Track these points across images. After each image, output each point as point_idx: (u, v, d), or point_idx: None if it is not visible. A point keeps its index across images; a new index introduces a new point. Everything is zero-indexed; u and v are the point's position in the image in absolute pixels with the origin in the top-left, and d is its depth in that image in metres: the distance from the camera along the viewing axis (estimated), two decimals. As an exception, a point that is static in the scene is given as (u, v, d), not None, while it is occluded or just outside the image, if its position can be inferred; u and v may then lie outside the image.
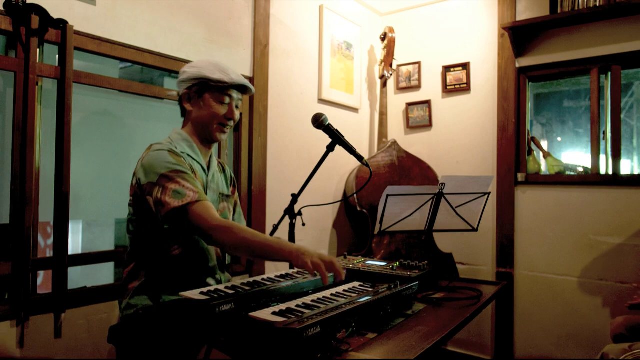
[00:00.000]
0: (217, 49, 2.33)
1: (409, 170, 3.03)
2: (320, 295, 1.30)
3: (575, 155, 4.07)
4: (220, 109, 1.52)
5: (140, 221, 1.45)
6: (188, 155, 1.50)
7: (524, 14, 2.93)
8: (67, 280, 1.74)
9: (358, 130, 3.36)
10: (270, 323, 1.03)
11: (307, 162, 2.82)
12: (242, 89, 1.57)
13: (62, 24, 1.71)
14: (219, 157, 2.40)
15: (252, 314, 1.09)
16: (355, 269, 1.75)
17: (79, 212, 2.05)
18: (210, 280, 1.52)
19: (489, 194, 1.86)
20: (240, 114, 2.48)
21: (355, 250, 3.08)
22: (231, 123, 1.57)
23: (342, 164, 3.10)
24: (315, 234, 2.94)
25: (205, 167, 1.57)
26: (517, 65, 2.96)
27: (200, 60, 1.57)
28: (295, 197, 1.74)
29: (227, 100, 1.53)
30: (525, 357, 2.90)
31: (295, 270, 1.64)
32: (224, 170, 1.74)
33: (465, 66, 3.16)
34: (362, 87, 3.36)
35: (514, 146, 2.95)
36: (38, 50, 1.68)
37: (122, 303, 1.46)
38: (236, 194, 1.79)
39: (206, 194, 1.53)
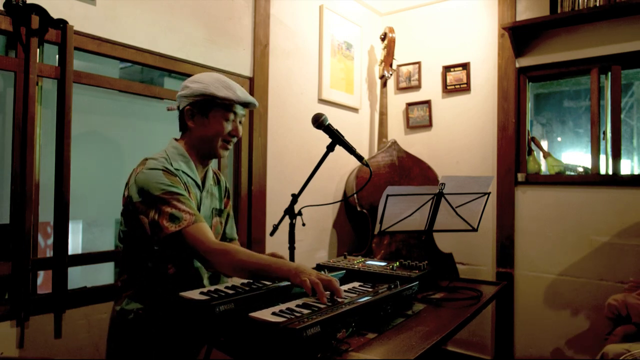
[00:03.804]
0: (217, 49, 2.33)
1: (409, 170, 3.03)
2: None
3: (575, 155, 4.07)
4: (226, 127, 1.50)
5: (131, 235, 1.43)
6: (183, 172, 1.48)
7: (524, 14, 2.93)
8: (67, 280, 1.74)
9: (358, 130, 3.36)
10: (271, 323, 1.03)
11: (307, 162, 2.82)
12: (246, 104, 1.55)
13: (62, 24, 1.71)
14: (219, 161, 2.40)
15: (252, 314, 1.09)
16: (355, 269, 1.74)
17: (79, 212, 2.06)
18: None
19: (489, 194, 1.86)
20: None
21: (355, 250, 3.08)
22: (234, 139, 1.55)
23: (342, 164, 3.10)
24: (315, 234, 2.94)
25: (200, 183, 1.55)
26: (517, 65, 2.96)
27: (204, 75, 1.52)
28: (295, 197, 1.74)
29: (232, 117, 1.50)
30: (525, 357, 2.90)
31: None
32: (218, 182, 1.71)
33: (465, 66, 3.16)
34: (362, 87, 3.36)
35: (514, 146, 2.95)
36: (38, 50, 1.68)
37: (116, 307, 1.45)
38: (230, 204, 1.77)
39: (199, 210, 1.51)
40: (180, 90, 1.51)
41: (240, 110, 1.53)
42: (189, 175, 1.50)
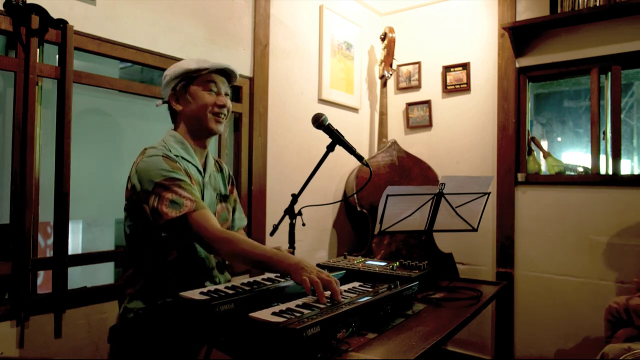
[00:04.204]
0: (217, 49, 2.33)
1: (409, 170, 3.03)
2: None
3: (575, 155, 4.07)
4: (209, 98, 1.51)
5: (136, 226, 1.44)
6: (182, 158, 1.49)
7: (524, 14, 2.93)
8: (67, 280, 1.74)
9: (358, 130, 3.36)
10: (271, 323, 1.03)
11: (307, 162, 2.82)
12: (223, 73, 1.56)
13: (62, 24, 1.71)
14: (219, 156, 2.40)
15: (252, 314, 1.09)
16: (355, 269, 1.75)
17: (79, 212, 2.06)
18: (208, 284, 1.51)
19: (489, 194, 1.86)
20: (240, 114, 2.48)
21: (355, 250, 3.08)
22: (224, 111, 1.55)
23: (342, 164, 3.10)
24: (315, 234, 2.94)
25: (201, 168, 1.56)
26: (517, 65, 2.96)
27: (179, 61, 1.57)
28: (295, 197, 1.74)
29: (213, 87, 1.52)
30: (525, 357, 2.90)
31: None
32: (221, 170, 1.72)
33: (465, 66, 3.16)
34: (362, 87, 3.36)
35: (514, 146, 2.95)
36: (38, 50, 1.67)
37: (120, 307, 1.46)
38: (235, 192, 1.78)
39: (203, 195, 1.52)
40: (162, 83, 1.55)
41: (220, 81, 1.55)
42: (188, 161, 1.51)
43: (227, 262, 1.62)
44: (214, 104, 1.52)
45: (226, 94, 1.57)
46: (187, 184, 1.37)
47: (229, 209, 1.69)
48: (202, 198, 1.52)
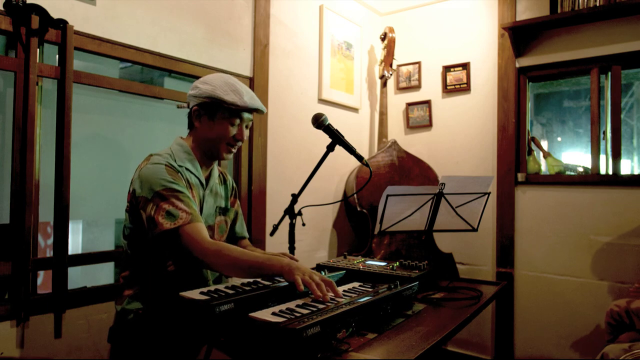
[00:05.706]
0: (217, 49, 2.33)
1: (409, 170, 3.03)
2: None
3: (575, 155, 4.08)
4: (231, 130, 1.50)
5: (135, 230, 1.44)
6: (187, 169, 1.48)
7: (524, 14, 2.93)
8: (67, 280, 1.74)
9: (358, 130, 3.36)
10: (270, 323, 1.03)
11: (307, 162, 2.82)
12: (253, 111, 1.54)
13: (62, 24, 1.71)
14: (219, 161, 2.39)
15: (252, 314, 1.09)
16: (355, 269, 1.75)
17: (79, 212, 2.05)
18: None
19: (489, 194, 1.86)
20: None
21: (355, 250, 3.08)
22: (239, 143, 1.55)
23: (342, 164, 3.10)
24: (315, 234, 2.94)
25: (204, 181, 1.55)
26: (517, 65, 2.96)
27: (214, 77, 1.51)
28: (295, 197, 1.74)
29: (237, 122, 1.50)
30: (525, 357, 2.90)
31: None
32: (224, 181, 1.72)
33: (465, 66, 3.16)
34: (362, 87, 3.36)
35: (514, 146, 2.95)
36: (38, 50, 1.68)
37: (117, 307, 1.46)
38: (237, 204, 1.77)
39: (202, 208, 1.52)
40: (190, 90, 1.52)
41: (246, 115, 1.53)
42: (192, 173, 1.50)
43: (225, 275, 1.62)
44: (234, 136, 1.51)
45: (246, 127, 1.56)
46: (185, 196, 1.36)
47: (227, 222, 1.68)
48: (201, 209, 1.52)
